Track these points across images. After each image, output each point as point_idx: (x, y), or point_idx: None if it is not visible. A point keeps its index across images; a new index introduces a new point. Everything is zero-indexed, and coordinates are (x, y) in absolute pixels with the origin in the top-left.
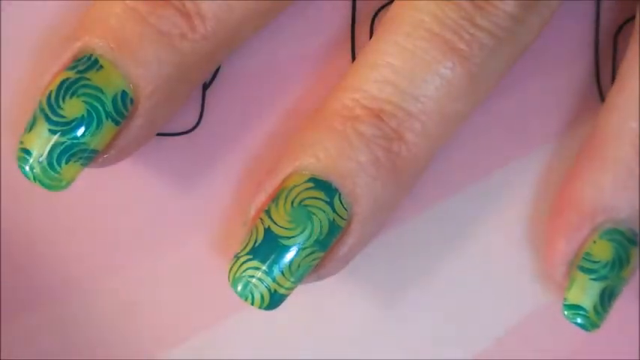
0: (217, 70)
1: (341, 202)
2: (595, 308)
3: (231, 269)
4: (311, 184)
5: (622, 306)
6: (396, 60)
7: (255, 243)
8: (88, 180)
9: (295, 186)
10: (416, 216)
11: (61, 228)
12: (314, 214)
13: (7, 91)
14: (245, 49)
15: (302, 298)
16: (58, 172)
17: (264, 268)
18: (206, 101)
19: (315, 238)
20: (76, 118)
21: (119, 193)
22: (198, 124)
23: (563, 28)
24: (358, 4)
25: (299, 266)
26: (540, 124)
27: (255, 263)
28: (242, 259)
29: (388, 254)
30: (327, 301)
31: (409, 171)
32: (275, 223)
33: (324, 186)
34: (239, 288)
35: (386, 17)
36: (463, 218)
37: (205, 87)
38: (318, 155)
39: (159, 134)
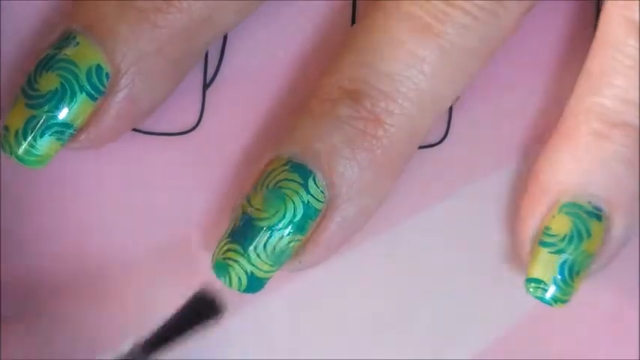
0: (217, 70)
1: (316, 184)
2: (555, 282)
3: (213, 254)
4: (287, 167)
5: (622, 306)
6: (371, 41)
7: (234, 226)
8: (87, 179)
9: (273, 170)
10: (415, 215)
11: (59, 228)
12: (287, 195)
13: (7, 91)
14: (245, 49)
15: (301, 298)
16: (33, 147)
17: (240, 250)
18: (206, 101)
19: (290, 220)
20: (50, 91)
21: (119, 193)
22: (198, 124)
23: (562, 27)
24: (358, 4)
25: (275, 249)
26: (539, 125)
27: (232, 246)
28: (222, 243)
29: (387, 254)
30: (327, 301)
31: (389, 154)
32: (252, 207)
33: (298, 168)
34: (217, 270)
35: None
36: (463, 218)
37: (205, 87)
38: (296, 139)
39: (159, 134)
